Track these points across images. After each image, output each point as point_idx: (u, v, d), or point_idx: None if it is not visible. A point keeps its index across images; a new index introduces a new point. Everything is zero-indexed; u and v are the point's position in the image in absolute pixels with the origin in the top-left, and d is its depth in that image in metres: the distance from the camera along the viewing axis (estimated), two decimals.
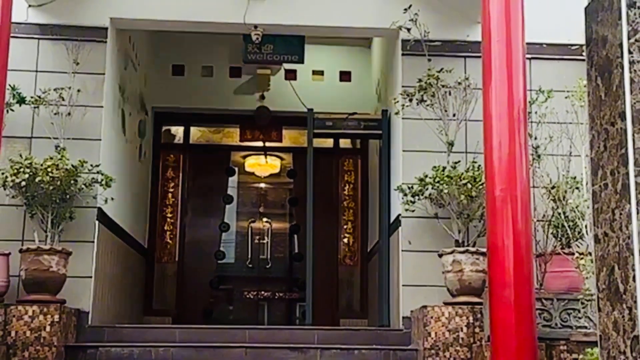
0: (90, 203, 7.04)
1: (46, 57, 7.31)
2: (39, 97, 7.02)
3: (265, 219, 11.52)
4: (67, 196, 6.76)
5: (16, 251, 6.62)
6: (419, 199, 6.99)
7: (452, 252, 6.63)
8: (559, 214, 6.29)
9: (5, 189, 6.58)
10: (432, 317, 6.43)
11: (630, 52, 3.01)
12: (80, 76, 7.21)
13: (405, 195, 7.02)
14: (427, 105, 7.12)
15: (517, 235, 4.96)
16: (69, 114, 7.07)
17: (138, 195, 9.50)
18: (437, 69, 7.16)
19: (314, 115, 8.63)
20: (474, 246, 6.70)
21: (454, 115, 7.12)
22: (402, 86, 7.41)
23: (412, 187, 6.99)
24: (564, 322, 5.63)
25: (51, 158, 6.69)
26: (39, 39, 7.34)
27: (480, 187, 6.52)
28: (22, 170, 6.55)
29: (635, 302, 2.89)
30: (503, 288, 4.93)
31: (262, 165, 11.52)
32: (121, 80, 8.24)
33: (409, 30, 7.34)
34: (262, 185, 11.76)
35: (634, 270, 2.91)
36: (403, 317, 7.12)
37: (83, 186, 6.86)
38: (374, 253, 9.37)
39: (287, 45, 8.95)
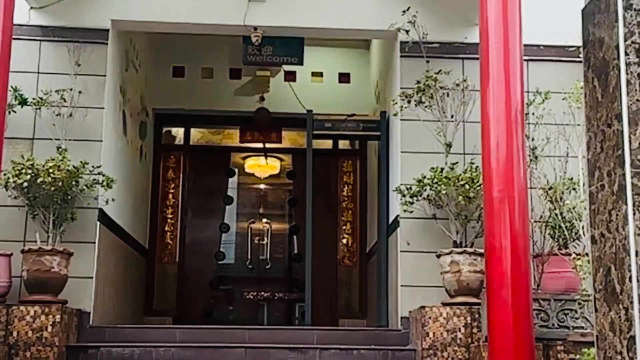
0: (91, 204, 7.04)
1: (48, 58, 7.32)
2: (41, 98, 7.02)
3: (264, 220, 11.53)
4: (69, 197, 6.76)
5: (18, 252, 6.61)
6: (417, 200, 6.99)
7: (450, 253, 6.63)
8: (556, 215, 6.29)
9: (7, 190, 6.58)
10: (430, 318, 6.42)
11: (626, 54, 3.01)
12: (82, 78, 7.22)
13: (404, 196, 7.02)
14: (426, 106, 7.12)
15: (514, 236, 4.95)
16: (71, 115, 7.07)
17: (139, 196, 9.50)
18: (435, 70, 7.16)
19: (313, 116, 8.63)
20: (471, 247, 6.70)
21: (452, 116, 7.13)
22: (401, 88, 7.41)
23: (410, 188, 6.99)
24: (561, 323, 5.63)
25: (53, 159, 6.69)
26: (40, 40, 7.34)
27: (478, 188, 6.52)
28: (24, 171, 6.55)
29: (631, 302, 2.89)
30: (500, 288, 4.93)
31: (262, 167, 11.52)
32: (122, 82, 8.24)
33: (407, 32, 7.34)
34: (262, 186, 11.76)
35: (630, 271, 2.91)
36: (401, 318, 7.12)
37: (84, 187, 6.86)
38: (372, 254, 9.37)
39: (287, 47, 8.95)
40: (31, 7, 7.32)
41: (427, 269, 6.95)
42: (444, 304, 6.57)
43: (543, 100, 6.76)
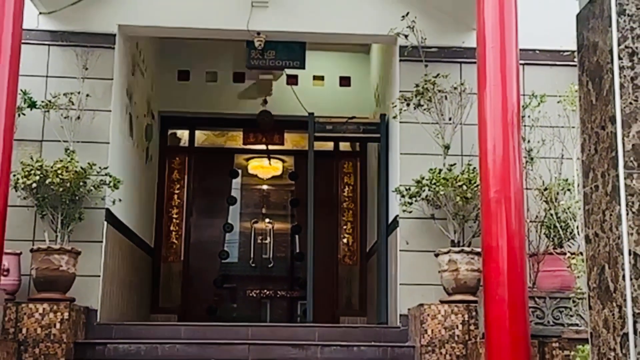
0: (98, 204, 7.04)
1: (56, 63, 7.32)
2: (50, 101, 7.02)
3: (267, 220, 11.53)
4: (77, 197, 6.76)
5: (27, 251, 6.61)
6: (416, 201, 6.98)
7: (448, 252, 6.62)
8: (551, 215, 6.29)
9: (16, 191, 6.57)
10: (428, 315, 6.42)
11: (620, 58, 3.01)
12: (89, 81, 7.22)
13: (403, 196, 7.01)
14: (424, 109, 7.12)
15: (510, 235, 4.95)
16: (79, 118, 7.07)
17: (145, 197, 9.50)
18: (434, 74, 7.16)
19: (314, 119, 8.63)
20: (469, 246, 6.70)
21: (450, 119, 7.12)
22: (400, 91, 7.41)
23: (409, 189, 6.99)
24: (556, 320, 5.63)
25: (61, 160, 6.69)
26: (49, 45, 7.34)
27: (475, 188, 6.51)
28: (33, 172, 6.55)
29: (625, 300, 2.89)
30: (497, 287, 4.93)
31: (265, 168, 11.53)
32: (129, 85, 8.24)
33: (406, 37, 7.34)
34: (265, 187, 11.76)
35: (623, 269, 2.91)
36: (400, 315, 7.12)
37: (92, 188, 6.86)
38: (372, 253, 9.36)
39: (289, 52, 8.95)
40: (40, 13, 7.32)
41: (426, 268, 6.95)
42: (442, 302, 6.56)
43: (539, 103, 6.76)
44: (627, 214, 2.92)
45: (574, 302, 5.45)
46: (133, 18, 7.59)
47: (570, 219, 6.06)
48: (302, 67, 9.17)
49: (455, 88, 7.17)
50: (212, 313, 10.67)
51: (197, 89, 10.73)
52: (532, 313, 5.46)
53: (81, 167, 6.73)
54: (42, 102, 7.02)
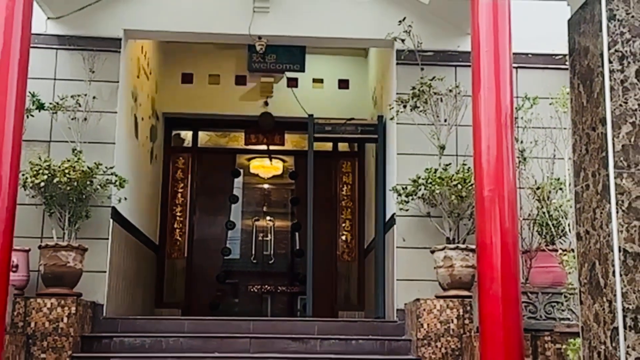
0: (105, 202, 7.04)
1: (64, 66, 7.31)
2: (57, 103, 7.02)
3: (268, 218, 11.52)
4: (83, 196, 6.76)
5: (36, 247, 6.61)
6: (412, 199, 6.98)
7: (443, 249, 6.62)
8: (544, 213, 6.29)
9: (25, 190, 6.57)
10: (424, 310, 6.42)
11: (610, 62, 3.01)
12: (96, 84, 7.21)
13: (400, 195, 7.02)
14: (420, 111, 7.12)
15: (504, 233, 4.95)
16: (85, 119, 7.07)
17: (150, 195, 9.50)
18: (430, 77, 7.16)
19: (314, 120, 8.63)
20: (464, 243, 6.70)
21: (445, 120, 7.12)
22: (397, 93, 7.40)
23: (406, 188, 6.99)
24: (548, 315, 5.63)
25: (68, 160, 6.69)
26: (57, 49, 7.34)
27: (470, 187, 6.52)
28: (41, 171, 6.54)
29: (614, 295, 2.89)
30: (491, 282, 4.93)
31: (266, 167, 11.52)
32: (134, 88, 8.24)
33: (403, 41, 7.34)
34: (266, 186, 11.76)
35: (613, 265, 2.91)
36: (397, 310, 7.11)
37: (98, 187, 6.86)
38: (370, 249, 9.36)
39: (289, 55, 8.95)
40: (48, 18, 7.32)
41: (422, 264, 6.95)
42: (438, 297, 6.56)
43: (531, 105, 6.75)
44: (617, 212, 2.92)
45: (565, 297, 5.45)
46: (138, 23, 7.58)
47: (562, 217, 6.07)
48: (302, 70, 9.17)
49: (450, 90, 7.17)
50: (214, 308, 10.67)
51: (200, 91, 10.72)
52: (525, 308, 5.47)
53: (88, 167, 6.73)
54: (50, 104, 7.01)
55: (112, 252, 7.17)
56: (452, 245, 6.63)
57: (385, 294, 7.83)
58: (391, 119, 7.48)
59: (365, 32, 7.73)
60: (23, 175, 6.55)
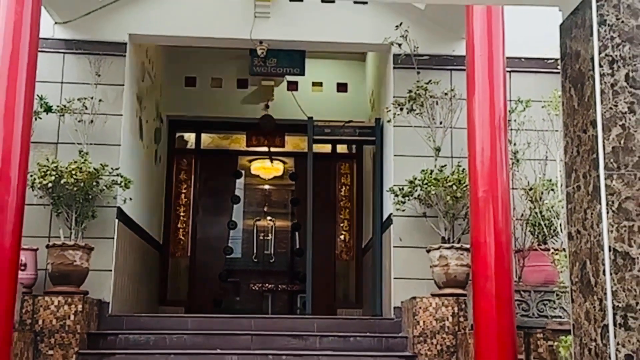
0: (110, 203, 7.04)
1: (71, 70, 7.31)
2: (64, 106, 7.02)
3: (269, 218, 11.52)
4: (90, 196, 6.76)
5: (43, 247, 6.61)
6: (408, 200, 6.98)
7: (439, 248, 6.62)
8: (536, 213, 6.29)
9: (33, 190, 6.57)
10: (420, 307, 6.42)
11: (600, 66, 3.01)
12: (102, 87, 7.22)
13: (397, 196, 7.01)
14: (417, 114, 7.12)
15: (498, 232, 4.96)
16: (92, 121, 7.07)
17: (154, 196, 9.49)
18: (426, 81, 7.16)
19: (313, 123, 8.63)
20: (458, 242, 6.70)
21: (440, 123, 7.12)
22: (394, 96, 7.40)
23: (402, 189, 6.99)
24: (541, 312, 5.63)
25: (75, 162, 6.69)
26: (64, 53, 7.34)
27: (465, 188, 6.51)
28: (49, 172, 6.54)
29: (605, 294, 2.89)
30: (485, 281, 4.93)
31: (267, 169, 11.52)
32: (139, 91, 8.24)
33: (400, 45, 7.35)
34: (267, 186, 11.75)
35: (604, 264, 2.91)
36: (394, 307, 7.11)
37: (104, 187, 6.86)
38: (368, 249, 9.36)
39: (290, 59, 8.95)
40: (56, 22, 7.32)
41: (418, 263, 6.94)
42: (433, 295, 6.56)
43: (524, 108, 6.76)
44: (608, 213, 2.92)
45: (557, 295, 5.46)
46: (143, 28, 7.58)
47: (554, 217, 6.07)
48: (302, 74, 9.16)
49: (445, 94, 7.17)
50: (217, 305, 10.67)
51: (203, 94, 10.72)
52: (518, 306, 5.46)
53: (94, 168, 6.73)
54: (58, 106, 7.01)
55: (117, 251, 7.17)
56: (447, 245, 6.63)
57: (382, 292, 7.83)
58: (388, 121, 7.48)
59: (363, 37, 7.73)
60: (31, 176, 6.54)
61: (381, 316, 7.66)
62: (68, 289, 6.45)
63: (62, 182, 6.56)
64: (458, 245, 6.59)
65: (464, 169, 6.60)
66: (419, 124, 7.13)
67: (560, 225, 5.86)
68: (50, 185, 6.54)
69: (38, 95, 6.45)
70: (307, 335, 6.69)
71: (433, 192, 6.77)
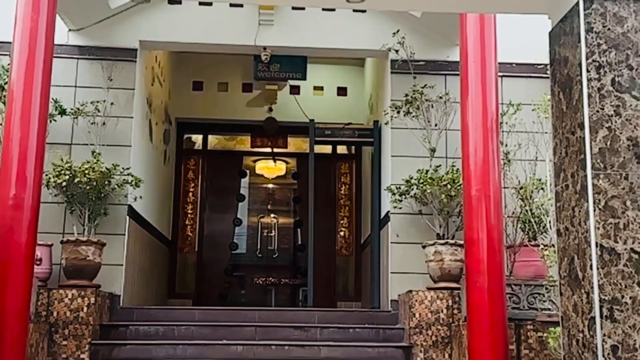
0: (121, 201, 7.04)
1: (84, 74, 7.31)
2: (78, 109, 7.02)
3: (272, 215, 11.53)
4: (102, 195, 6.76)
5: (58, 242, 6.62)
6: (405, 198, 6.98)
7: (434, 244, 6.62)
8: (527, 211, 6.29)
9: (48, 189, 6.57)
10: (416, 301, 6.42)
11: (588, 71, 3.01)
12: (113, 91, 7.22)
13: (394, 194, 7.01)
14: (413, 116, 7.12)
15: (490, 229, 4.96)
16: (104, 123, 7.07)
17: (163, 194, 9.50)
18: (421, 85, 7.16)
19: (315, 125, 8.63)
20: (453, 239, 6.69)
21: (435, 125, 7.12)
22: (391, 100, 7.40)
23: (399, 188, 6.99)
24: (531, 305, 5.63)
25: (88, 162, 6.69)
26: (78, 59, 7.34)
27: (459, 187, 6.51)
28: (63, 172, 6.55)
29: (592, 287, 2.89)
30: (478, 275, 4.93)
31: (270, 168, 11.53)
32: (148, 95, 8.24)
33: (397, 51, 7.34)
34: (270, 185, 11.76)
35: (591, 259, 2.91)
36: (391, 300, 7.11)
37: (115, 186, 6.86)
38: (366, 244, 9.36)
39: (292, 65, 8.95)
40: (70, 30, 7.32)
41: (414, 258, 6.94)
42: (429, 289, 6.56)
43: (515, 111, 6.74)
44: (595, 210, 2.92)
45: (546, 289, 5.46)
46: (153, 34, 7.58)
47: (544, 215, 6.06)
48: (304, 78, 9.16)
49: (440, 97, 7.17)
50: (223, 298, 10.67)
51: (209, 98, 10.73)
52: (509, 299, 5.47)
53: (106, 168, 6.73)
54: (71, 109, 7.01)
55: (128, 246, 7.17)
56: (442, 241, 6.63)
57: (380, 285, 7.83)
58: (386, 123, 7.48)
59: (362, 44, 7.73)
60: (46, 175, 6.54)
61: (379, 309, 7.66)
62: (81, 283, 6.45)
63: (75, 181, 6.56)
64: (452, 241, 6.59)
65: (457, 169, 6.60)
66: (415, 126, 7.13)
67: (550, 222, 5.86)
68: (64, 184, 6.55)
69: (53, 99, 6.45)
70: (309, 327, 6.69)
71: (428, 191, 6.77)
